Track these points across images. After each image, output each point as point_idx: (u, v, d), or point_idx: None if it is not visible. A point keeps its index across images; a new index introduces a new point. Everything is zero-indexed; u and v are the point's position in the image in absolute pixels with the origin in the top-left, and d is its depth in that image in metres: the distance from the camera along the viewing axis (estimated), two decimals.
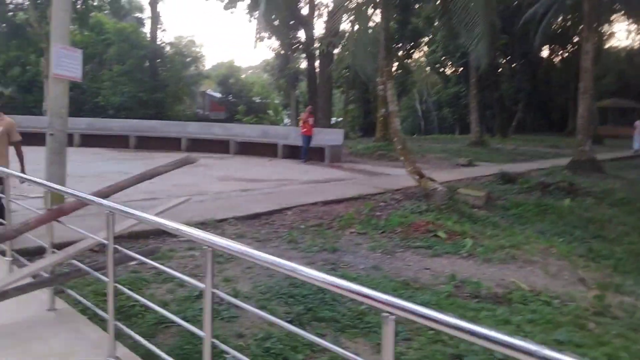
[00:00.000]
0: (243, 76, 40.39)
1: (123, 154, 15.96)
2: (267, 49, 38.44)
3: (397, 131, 9.18)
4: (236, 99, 37.54)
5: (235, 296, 4.41)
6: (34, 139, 16.92)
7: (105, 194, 3.62)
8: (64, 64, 7.07)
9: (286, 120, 34.78)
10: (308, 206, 8.34)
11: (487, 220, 7.97)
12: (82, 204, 3.57)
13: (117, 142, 17.46)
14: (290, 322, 3.64)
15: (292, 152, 15.79)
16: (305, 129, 14.21)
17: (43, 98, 21.09)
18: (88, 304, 3.26)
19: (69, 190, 3.32)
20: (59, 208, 3.39)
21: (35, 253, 5.19)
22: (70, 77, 7.23)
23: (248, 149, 16.70)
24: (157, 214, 3.17)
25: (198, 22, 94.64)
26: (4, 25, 27.67)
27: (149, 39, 27.56)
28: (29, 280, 3.38)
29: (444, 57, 34.25)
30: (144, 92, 22.42)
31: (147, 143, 17.65)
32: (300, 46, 26.39)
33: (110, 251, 2.79)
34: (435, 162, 15.24)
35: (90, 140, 17.47)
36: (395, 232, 6.96)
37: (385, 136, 16.99)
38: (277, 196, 9.08)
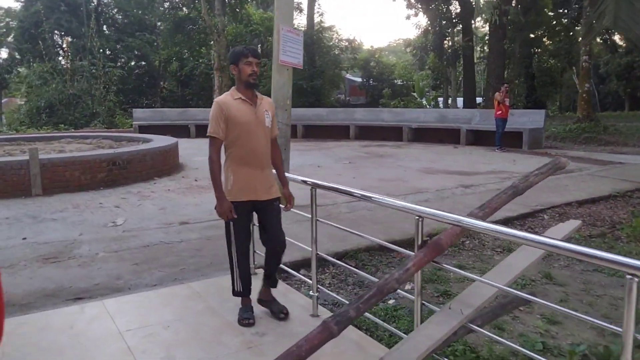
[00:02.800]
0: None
1: (296, 144, 15.52)
2: (413, 26, 36.43)
3: None
4: (376, 82, 36.11)
5: None
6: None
7: (480, 217, 2.54)
8: (289, 49, 6.30)
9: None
10: (562, 207, 6.79)
11: None
12: (456, 234, 2.51)
13: None
14: None
15: (476, 138, 14.09)
16: (500, 111, 12.38)
17: (212, 90, 21.79)
18: None
19: (449, 215, 2.26)
20: (435, 243, 2.33)
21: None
22: (295, 63, 6.48)
23: (422, 135, 15.34)
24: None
25: (326, 6, 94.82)
26: (163, 24, 29.30)
27: (298, 25, 27.35)
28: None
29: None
30: (303, 80, 21.99)
31: (313, 131, 17.16)
32: (456, 20, 24.19)
33: None
34: None
35: None
36: None
37: (590, 116, 14.42)
38: None
